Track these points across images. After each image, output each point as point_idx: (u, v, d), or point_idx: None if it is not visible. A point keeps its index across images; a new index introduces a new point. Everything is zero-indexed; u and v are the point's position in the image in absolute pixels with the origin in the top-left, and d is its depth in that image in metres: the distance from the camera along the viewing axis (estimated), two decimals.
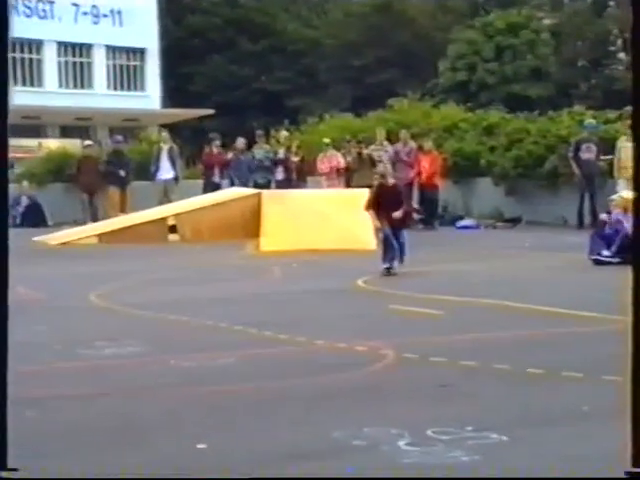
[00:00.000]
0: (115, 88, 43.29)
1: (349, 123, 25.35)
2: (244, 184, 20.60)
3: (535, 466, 4.14)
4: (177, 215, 17.47)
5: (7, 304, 3.00)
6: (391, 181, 12.19)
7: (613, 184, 18.13)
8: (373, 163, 19.42)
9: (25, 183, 23.13)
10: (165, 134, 23.19)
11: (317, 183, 21.33)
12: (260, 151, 21.98)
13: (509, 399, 5.40)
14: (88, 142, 25.67)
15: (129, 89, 43.78)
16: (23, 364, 5.57)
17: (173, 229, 17.32)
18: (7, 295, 3.06)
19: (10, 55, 2.94)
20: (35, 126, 36.57)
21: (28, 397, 4.96)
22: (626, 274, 3.75)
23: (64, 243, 16.85)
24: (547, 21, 44.02)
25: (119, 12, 42.31)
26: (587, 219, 18.37)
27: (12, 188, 17.32)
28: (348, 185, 20.05)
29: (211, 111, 41.13)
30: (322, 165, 21.25)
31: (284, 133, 23.45)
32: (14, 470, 3.42)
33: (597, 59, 45.25)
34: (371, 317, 8.57)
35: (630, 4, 3.22)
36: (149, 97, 43.38)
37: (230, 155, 22.12)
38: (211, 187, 21.18)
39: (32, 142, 31.88)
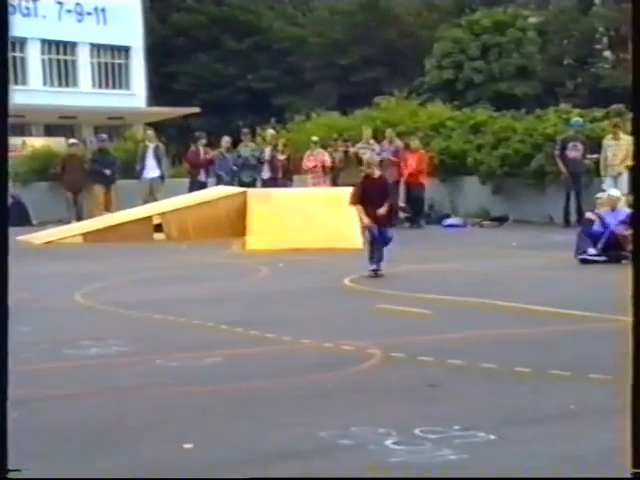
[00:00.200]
0: (100, 86, 43.16)
1: (336, 121, 25.34)
2: (229, 183, 20.58)
3: (523, 465, 4.15)
4: (163, 214, 17.44)
5: (7, 304, 2.99)
6: (377, 173, 11.80)
7: (599, 182, 18.19)
8: (360, 162, 19.41)
9: (9, 182, 23.01)
10: (151, 132, 23.13)
11: (303, 182, 21.32)
12: (246, 149, 21.95)
13: (496, 398, 5.41)
14: (73, 140, 25.59)
15: (114, 87, 43.66)
16: (8, 364, 5.54)
17: (159, 228, 17.29)
18: (7, 295, 3.05)
19: None
20: (19, 125, 36.42)
21: (13, 397, 4.93)
22: (612, 272, 3.77)
23: (49, 242, 16.81)
24: (533, 19, 44.07)
25: (103, 10, 42.17)
26: (573, 217, 18.43)
27: None
28: (334, 184, 20.05)
29: (197, 109, 41.06)
30: (308, 162, 21.25)
31: (270, 131, 23.43)
32: (16, 470, 3.42)
33: (583, 57, 45.35)
34: (358, 316, 8.58)
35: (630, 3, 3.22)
36: (134, 95, 43.27)
37: (215, 153, 22.09)
38: (197, 186, 21.14)
39: (16, 140, 31.75)
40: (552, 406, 5.20)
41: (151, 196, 20.83)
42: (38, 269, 12.53)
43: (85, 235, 17.12)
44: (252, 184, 20.74)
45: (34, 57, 41.20)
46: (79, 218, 20.75)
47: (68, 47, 42.30)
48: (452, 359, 6.35)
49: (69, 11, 41.59)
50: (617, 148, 17.94)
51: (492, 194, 21.15)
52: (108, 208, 20.87)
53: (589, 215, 13.18)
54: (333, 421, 4.88)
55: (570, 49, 45.32)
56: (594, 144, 18.92)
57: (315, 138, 21.56)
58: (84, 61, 42.46)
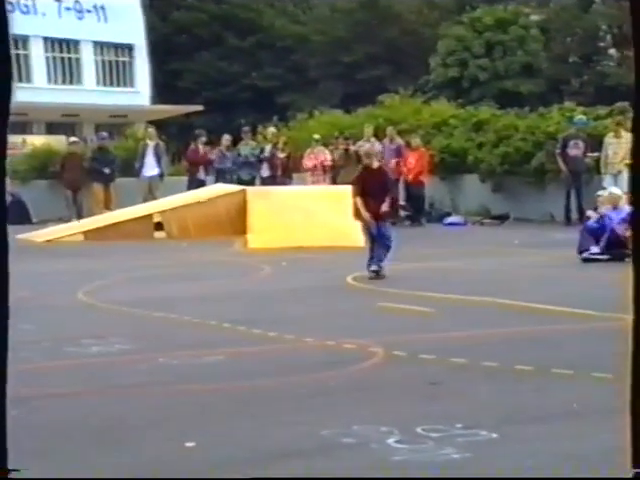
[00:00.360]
0: (104, 84, 43.16)
1: (338, 119, 25.33)
2: (229, 181, 20.57)
3: (525, 464, 4.15)
4: (163, 212, 17.44)
5: (7, 304, 2.99)
6: (376, 164, 11.37)
7: (599, 180, 18.18)
8: (359, 160, 19.42)
9: (8, 180, 22.99)
10: (151, 130, 23.12)
11: (303, 180, 21.33)
12: (246, 147, 21.94)
13: (498, 396, 5.41)
14: (73, 139, 25.60)
15: (118, 85, 43.66)
16: (9, 362, 5.55)
17: (159, 226, 17.29)
18: (7, 295, 3.05)
19: None
20: (20, 122, 36.41)
21: (14, 396, 4.94)
22: (615, 270, 3.76)
23: (49, 240, 16.81)
24: (534, 17, 44.01)
25: (102, 8, 42.14)
26: (574, 215, 18.43)
27: None
28: (334, 182, 20.05)
29: (200, 107, 41.04)
30: (308, 161, 21.25)
31: (271, 130, 23.43)
32: (15, 470, 3.40)
33: (588, 55, 45.28)
34: (360, 314, 8.57)
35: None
36: (139, 93, 43.26)
37: (214, 151, 22.09)
38: (196, 184, 21.13)
39: (16, 138, 31.74)
40: (554, 405, 5.20)
41: (150, 194, 20.83)
42: (39, 267, 12.53)
43: (86, 233, 17.13)
44: (251, 182, 20.74)
45: (37, 55, 41.17)
46: (79, 216, 20.76)
47: (71, 45, 42.29)
48: (454, 357, 6.34)
49: (68, 8, 41.55)
50: (618, 146, 17.93)
51: (493, 192, 21.15)
52: (108, 206, 20.87)
53: (590, 213, 13.18)
54: (335, 420, 4.88)
55: (574, 47, 45.26)
56: (596, 142, 18.91)
57: (317, 136, 21.56)
58: (88, 59, 42.45)
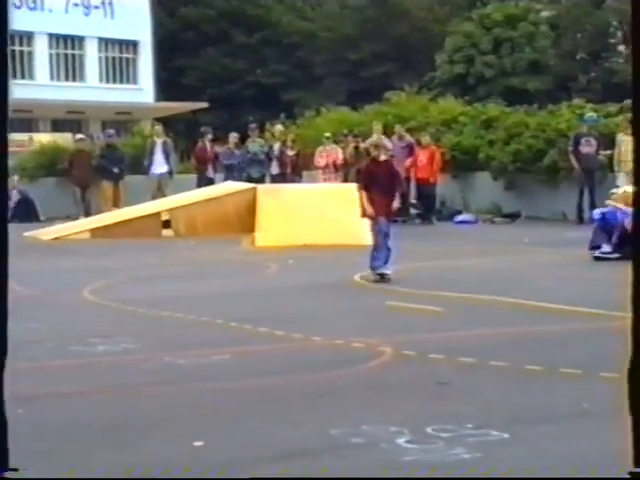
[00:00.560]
0: (108, 81, 43.21)
1: (346, 117, 25.33)
2: (237, 178, 20.59)
3: (537, 463, 4.14)
4: (171, 210, 17.46)
5: (7, 304, 3.01)
6: (383, 156, 10.72)
7: (613, 178, 18.15)
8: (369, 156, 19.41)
9: (15, 177, 23.11)
10: (159, 128, 23.16)
11: (313, 178, 21.33)
12: (254, 145, 21.96)
13: (508, 396, 5.40)
14: (80, 136, 25.67)
15: (122, 82, 43.70)
16: (15, 361, 5.56)
17: (167, 224, 17.31)
18: (7, 295, 3.07)
19: None
20: (26, 120, 36.48)
21: (20, 394, 4.95)
22: (626, 270, 3.75)
23: (56, 238, 16.85)
24: (545, 13, 43.97)
25: (110, 4, 42.24)
26: (587, 214, 18.38)
27: None
28: (345, 180, 20.05)
29: (205, 104, 41.07)
30: (320, 159, 21.24)
31: (279, 127, 23.44)
32: (14, 470, 3.43)
33: (596, 52, 45.22)
34: (369, 313, 8.57)
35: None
36: (142, 90, 43.31)
37: (222, 149, 22.11)
38: (205, 182, 21.17)
39: (23, 136, 31.82)
40: (564, 404, 5.19)
41: (159, 192, 20.87)
42: (46, 265, 12.55)
43: (93, 231, 17.16)
44: (261, 180, 20.76)
45: (41, 51, 41.26)
46: (87, 214, 20.80)
47: (76, 41, 42.36)
48: (463, 357, 6.34)
49: (76, 5, 41.64)
50: (631, 143, 17.88)
51: (504, 190, 21.13)
52: (117, 204, 20.91)
53: (596, 214, 13.16)
54: (344, 419, 4.88)
55: (583, 43, 45.20)
56: (608, 139, 18.87)
57: (328, 134, 21.57)
58: (92, 55, 42.51)
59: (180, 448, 4.46)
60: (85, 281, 10.73)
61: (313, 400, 5.38)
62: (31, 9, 40.01)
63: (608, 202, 12.93)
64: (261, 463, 4.23)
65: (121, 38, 42.90)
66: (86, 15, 41.92)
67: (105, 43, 43.01)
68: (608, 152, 18.72)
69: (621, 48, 45.47)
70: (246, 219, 16.29)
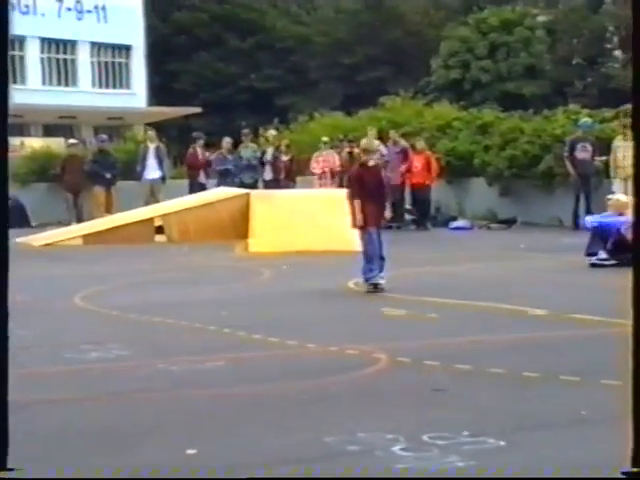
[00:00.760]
0: (100, 86, 43.19)
1: (340, 122, 25.36)
2: (230, 184, 20.58)
3: (534, 472, 4.13)
4: (164, 216, 17.44)
5: (7, 304, 3.00)
6: (372, 162, 10.37)
7: (609, 184, 18.17)
8: None
9: None
10: (152, 133, 23.15)
11: (307, 183, 21.31)
12: (247, 150, 21.94)
13: (505, 403, 5.40)
14: (73, 141, 25.61)
15: (114, 87, 43.69)
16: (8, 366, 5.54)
17: (160, 230, 17.30)
18: (7, 295, 3.06)
19: None
20: (18, 125, 36.44)
21: (12, 402, 4.93)
22: (623, 276, 3.75)
23: (48, 244, 16.82)
24: (542, 18, 44.04)
25: (103, 8, 42.22)
26: (582, 220, 18.39)
27: None
28: (341, 186, 20.03)
29: (198, 109, 41.07)
30: (316, 165, 21.20)
31: (272, 132, 23.43)
32: (11, 470, 3.43)
33: (593, 57, 45.31)
34: (363, 320, 8.57)
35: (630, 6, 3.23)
36: (135, 95, 43.30)
37: (214, 155, 22.10)
38: (197, 188, 21.17)
39: (14, 141, 31.79)
40: (562, 412, 5.18)
41: (152, 197, 20.86)
42: (37, 271, 12.53)
43: (85, 237, 17.14)
44: (253, 185, 20.75)
45: (33, 56, 41.24)
46: (79, 220, 20.77)
47: (68, 46, 42.34)
48: (459, 364, 6.33)
49: (69, 9, 41.63)
50: (627, 149, 17.91)
51: (500, 196, 21.16)
52: (109, 210, 20.89)
53: (587, 221, 13.19)
54: (339, 427, 4.87)
55: (580, 48, 45.30)
56: (603, 145, 18.90)
57: (325, 139, 21.55)
58: (84, 60, 42.49)
59: (173, 455, 4.44)
60: (77, 287, 10.71)
61: (307, 407, 5.36)
62: (23, 13, 39.98)
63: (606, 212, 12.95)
64: (255, 471, 4.21)
65: (114, 42, 42.88)
66: (79, 19, 41.91)
67: (98, 47, 42.99)
68: (604, 158, 18.74)
69: (617, 53, 45.59)
70: (239, 225, 16.28)
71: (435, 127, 23.08)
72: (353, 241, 14.19)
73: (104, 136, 24.23)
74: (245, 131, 22.92)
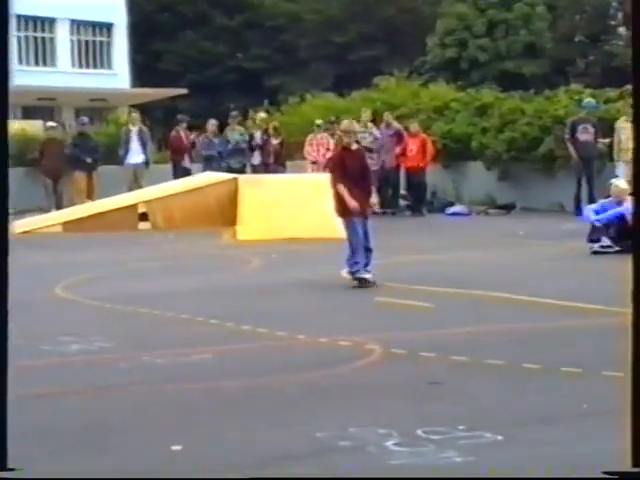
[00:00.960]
0: (81, 66, 43.02)
1: (333, 103, 25.31)
2: (217, 169, 20.52)
3: (532, 467, 4.15)
4: (148, 202, 17.42)
5: (7, 303, 3.01)
6: (355, 145, 10.14)
7: (612, 167, 18.18)
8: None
9: None
10: (135, 115, 23.06)
11: (298, 168, 21.27)
12: (233, 133, 21.87)
13: (504, 396, 5.41)
14: (51, 124, 25.51)
15: (95, 67, 43.53)
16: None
17: (144, 217, 17.27)
18: (7, 294, 3.07)
19: None
20: None
21: None
22: (626, 264, 3.75)
23: (26, 232, 16.77)
24: None
25: None
26: (585, 205, 18.40)
27: None
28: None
29: (184, 90, 40.96)
30: (310, 148, 21.13)
31: (261, 115, 23.35)
32: (12, 470, 3.45)
33: (595, 34, 45.28)
34: (356, 310, 8.58)
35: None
36: (117, 76, 43.14)
37: (200, 138, 22.04)
38: (181, 172, 21.10)
39: None
40: (563, 405, 5.20)
41: (135, 183, 20.80)
42: (15, 260, 12.43)
43: (65, 224, 17.11)
44: (241, 170, 20.69)
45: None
46: (59, 206, 20.72)
47: (46, 23, 42.14)
48: (456, 355, 6.35)
49: None
50: (631, 131, 17.90)
51: (498, 180, 21.16)
52: (90, 195, 20.84)
53: (587, 211, 13.18)
54: (330, 421, 4.88)
55: (582, 25, 45.27)
56: (607, 126, 18.89)
57: (319, 121, 21.48)
58: (63, 38, 42.29)
59: (157, 452, 4.45)
60: (57, 277, 10.71)
61: (297, 401, 5.38)
62: None
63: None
64: (243, 468, 4.22)
65: (94, 20, 42.66)
66: None
67: (77, 25, 42.79)
68: (607, 140, 18.74)
69: (621, 30, 45.56)
70: (227, 211, 16.27)
71: (432, 108, 23.05)
72: None
73: (85, 118, 24.13)
74: (234, 113, 22.83)
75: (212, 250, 13.76)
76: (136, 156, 21.40)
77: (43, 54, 42.39)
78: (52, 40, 42.38)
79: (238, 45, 48.14)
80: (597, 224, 12.49)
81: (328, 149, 20.86)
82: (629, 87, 20.09)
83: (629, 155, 17.91)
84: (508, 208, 20.20)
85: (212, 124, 22.05)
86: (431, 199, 21.26)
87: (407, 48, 43.56)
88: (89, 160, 21.39)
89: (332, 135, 21.24)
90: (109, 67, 43.71)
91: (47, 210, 20.33)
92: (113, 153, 22.06)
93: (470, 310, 8.41)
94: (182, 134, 22.16)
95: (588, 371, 5.85)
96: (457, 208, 20.46)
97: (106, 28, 43.36)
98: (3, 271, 2.53)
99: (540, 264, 11.65)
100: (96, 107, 38.87)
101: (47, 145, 22.31)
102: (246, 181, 17.10)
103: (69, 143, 22.14)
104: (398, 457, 4.30)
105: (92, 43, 43.51)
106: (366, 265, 9.79)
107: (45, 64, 42.25)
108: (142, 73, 43.15)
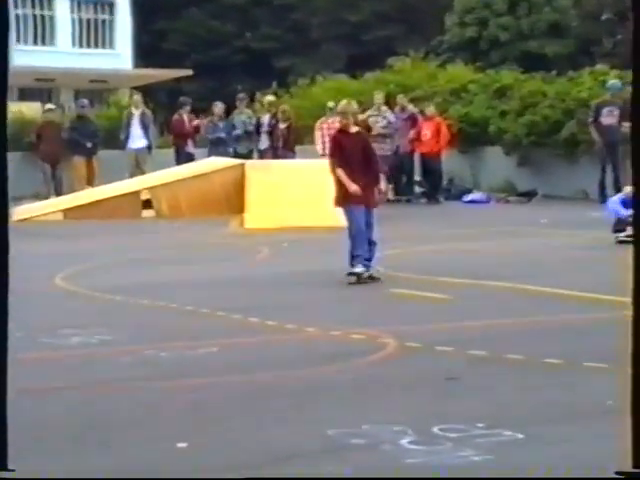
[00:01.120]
0: (81, 45, 43.02)
1: (345, 85, 25.27)
2: (223, 154, 20.51)
3: (553, 466, 4.15)
4: (152, 188, 17.44)
5: (7, 301, 3.03)
6: (354, 128, 9.78)
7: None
8: (369, 130, 19.38)
9: None
10: (137, 97, 23.06)
11: (308, 153, 21.24)
12: (240, 116, 21.84)
13: (524, 392, 5.42)
14: (50, 106, 25.53)
15: (97, 46, 43.51)
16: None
17: (147, 204, 17.30)
18: (7, 293, 3.09)
19: None
20: None
21: None
22: None
23: (24, 219, 16.81)
24: None
25: None
26: (610, 192, 18.35)
27: None
28: None
29: (189, 72, 40.92)
30: (319, 133, 21.06)
31: (269, 97, 23.31)
32: (12, 470, 3.47)
33: (623, 11, 45.04)
34: (369, 302, 8.58)
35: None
36: (119, 56, 43.11)
37: (205, 121, 22.02)
38: (184, 157, 21.09)
39: None
40: (586, 402, 5.21)
41: (137, 168, 20.82)
42: (13, 249, 12.50)
43: (65, 211, 17.15)
44: (248, 155, 20.68)
45: None
46: (58, 193, 20.75)
47: (45, 1, 42.15)
48: (474, 349, 6.35)
49: None
50: None
51: (518, 166, 21.13)
52: (90, 182, 20.86)
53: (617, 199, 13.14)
54: (343, 418, 4.89)
55: (609, 2, 45.06)
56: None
57: (331, 104, 21.43)
58: (63, 17, 42.28)
59: (162, 449, 4.46)
60: (57, 266, 10.73)
61: (308, 397, 5.39)
62: None
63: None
64: (251, 466, 4.23)
65: None
66: None
67: (78, 3, 42.77)
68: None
69: None
70: (234, 198, 16.28)
71: (448, 91, 23.01)
72: None
73: (85, 101, 24.12)
74: (241, 95, 22.79)
75: (219, 239, 13.78)
76: (138, 140, 21.40)
77: (42, 33, 42.37)
78: (51, 18, 42.37)
79: (246, 24, 48.06)
80: (630, 220, 12.46)
81: None
82: None
83: None
84: (529, 195, 20.16)
85: (218, 107, 22.03)
86: (448, 186, 21.24)
87: (424, 27, 43.45)
88: (89, 144, 21.40)
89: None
90: (111, 47, 43.67)
91: (45, 196, 20.37)
92: (114, 137, 22.06)
93: (488, 302, 8.41)
94: (185, 117, 22.14)
95: (612, 366, 5.84)
96: (475, 195, 20.45)
97: (108, 6, 43.32)
98: (3, 269, 2.53)
99: (563, 254, 11.63)
100: (96, 89, 38.87)
101: (45, 128, 22.32)
102: (253, 167, 17.12)
103: (68, 127, 22.15)
104: (414, 456, 4.31)
105: (93, 21, 43.46)
106: (369, 260, 9.52)
107: (44, 43, 42.24)
108: (145, 53, 43.13)
